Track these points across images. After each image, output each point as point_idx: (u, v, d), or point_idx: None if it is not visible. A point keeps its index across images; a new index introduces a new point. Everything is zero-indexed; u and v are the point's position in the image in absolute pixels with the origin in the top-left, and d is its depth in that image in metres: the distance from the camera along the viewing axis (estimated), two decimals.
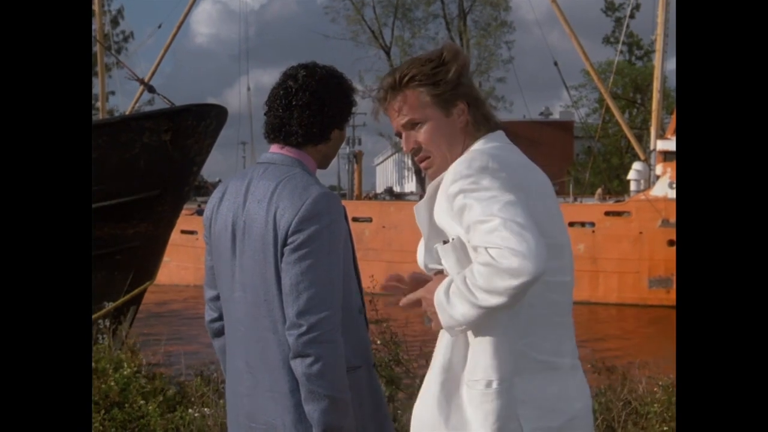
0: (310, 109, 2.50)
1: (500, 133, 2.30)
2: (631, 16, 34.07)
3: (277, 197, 2.42)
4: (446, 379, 2.21)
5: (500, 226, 1.99)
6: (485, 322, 2.11)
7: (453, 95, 2.25)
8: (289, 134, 2.52)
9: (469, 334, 2.18)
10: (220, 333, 2.70)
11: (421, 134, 2.27)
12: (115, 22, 41.05)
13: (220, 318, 2.67)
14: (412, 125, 2.28)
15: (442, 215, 2.17)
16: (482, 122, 2.28)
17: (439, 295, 2.11)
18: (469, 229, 2.06)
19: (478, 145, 2.25)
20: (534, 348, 2.15)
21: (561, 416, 2.15)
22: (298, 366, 2.36)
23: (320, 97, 2.50)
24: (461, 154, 2.26)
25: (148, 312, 15.00)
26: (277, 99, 2.52)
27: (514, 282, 1.96)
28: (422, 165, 2.32)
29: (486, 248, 1.99)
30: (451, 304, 2.08)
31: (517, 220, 1.99)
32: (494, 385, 2.13)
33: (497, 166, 2.10)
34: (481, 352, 2.16)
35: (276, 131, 2.54)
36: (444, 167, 2.24)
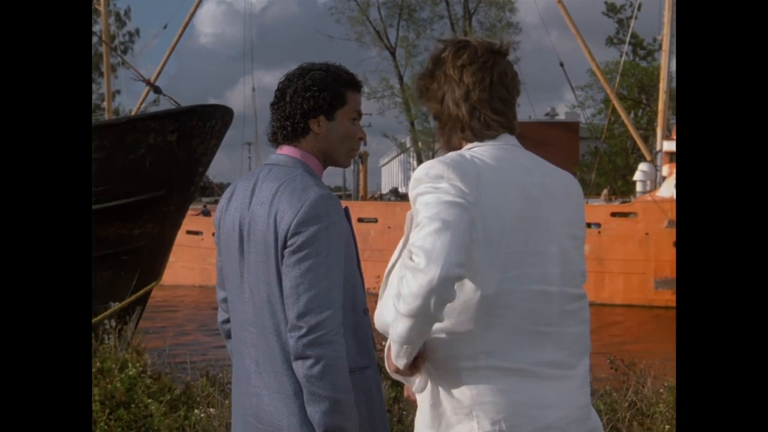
0: (278, 105, 2.57)
1: (500, 136, 2.28)
2: (635, 17, 34.01)
3: (277, 199, 2.44)
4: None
5: (422, 228, 2.03)
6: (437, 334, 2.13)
7: (442, 109, 2.32)
8: (272, 134, 2.60)
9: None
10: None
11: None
12: (121, 22, 40.97)
13: None
14: None
15: (410, 220, 2.21)
16: (474, 127, 2.29)
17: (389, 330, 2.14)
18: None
19: (463, 149, 2.28)
20: (498, 355, 2.13)
21: (528, 423, 2.13)
22: (299, 368, 2.36)
23: (283, 91, 2.56)
24: None
25: (152, 312, 15.02)
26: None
27: (420, 282, 1.97)
28: None
29: (410, 249, 2.03)
30: (391, 326, 2.10)
31: (440, 221, 2.01)
32: (440, 387, 2.17)
33: (453, 175, 2.11)
34: (432, 354, 2.18)
35: (269, 134, 2.62)
36: None
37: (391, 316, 2.08)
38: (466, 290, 2.10)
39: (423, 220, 2.04)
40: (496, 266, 2.11)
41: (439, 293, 1.98)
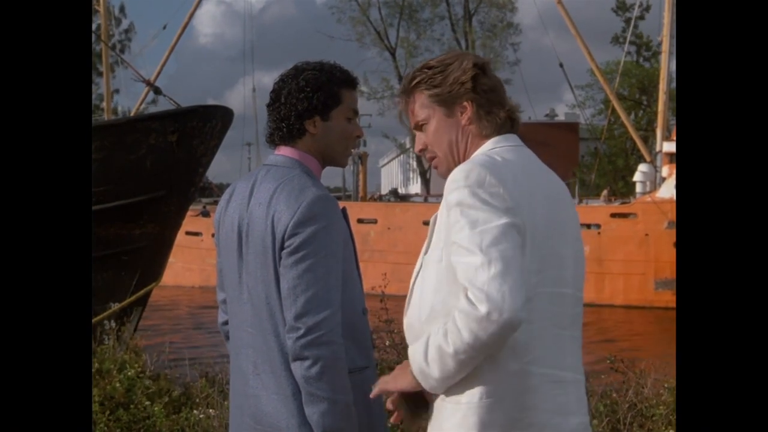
0: (274, 107, 2.57)
1: (510, 136, 2.27)
2: (641, 17, 33.98)
3: (275, 200, 2.43)
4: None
5: (483, 267, 1.96)
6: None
7: (454, 95, 2.25)
8: (269, 135, 2.60)
9: None
10: None
11: (427, 134, 2.30)
12: (117, 19, 40.77)
13: None
14: (420, 126, 2.31)
15: (440, 222, 2.16)
16: (489, 123, 2.26)
17: (417, 361, 2.08)
18: (453, 248, 2.05)
19: (484, 149, 2.24)
20: (536, 363, 2.10)
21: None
22: (298, 369, 2.36)
23: (278, 93, 2.56)
24: (466, 153, 2.26)
25: (152, 312, 15.02)
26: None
27: (490, 333, 1.95)
28: (432, 164, 2.34)
29: (466, 289, 1.98)
30: (429, 365, 2.05)
31: (502, 259, 1.97)
32: (482, 401, 2.08)
33: (495, 181, 2.06)
34: (473, 374, 2.09)
35: (267, 135, 2.62)
36: (450, 165, 2.25)
37: (435, 350, 2.03)
38: None
39: (480, 254, 1.98)
40: (532, 270, 2.08)
41: (507, 338, 1.99)
